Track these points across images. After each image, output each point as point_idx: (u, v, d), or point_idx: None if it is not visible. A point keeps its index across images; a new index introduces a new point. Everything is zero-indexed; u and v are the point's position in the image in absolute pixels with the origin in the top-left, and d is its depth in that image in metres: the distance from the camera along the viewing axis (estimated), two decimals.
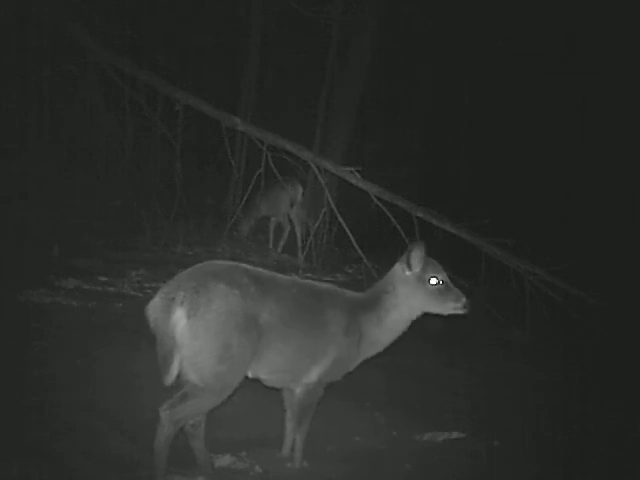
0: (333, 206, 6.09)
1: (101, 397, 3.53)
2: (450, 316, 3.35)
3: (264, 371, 3.00)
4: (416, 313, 3.28)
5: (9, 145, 6.97)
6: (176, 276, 2.91)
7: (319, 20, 9.78)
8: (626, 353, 5.66)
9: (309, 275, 7.15)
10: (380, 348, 3.29)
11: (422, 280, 3.22)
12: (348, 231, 5.92)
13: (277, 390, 3.28)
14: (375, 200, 5.88)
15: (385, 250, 7.81)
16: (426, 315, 3.38)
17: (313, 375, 3.08)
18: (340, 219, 5.96)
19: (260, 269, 3.08)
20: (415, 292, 3.22)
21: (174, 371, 2.74)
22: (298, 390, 3.14)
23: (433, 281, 3.22)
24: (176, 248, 6.65)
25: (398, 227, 5.85)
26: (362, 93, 9.39)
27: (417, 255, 3.21)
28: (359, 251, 6.00)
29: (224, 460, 3.14)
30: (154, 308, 2.78)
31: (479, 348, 5.69)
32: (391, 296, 3.23)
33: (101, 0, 7.86)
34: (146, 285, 5.69)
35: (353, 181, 5.97)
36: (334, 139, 9.21)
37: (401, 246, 6.11)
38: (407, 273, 3.22)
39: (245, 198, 7.07)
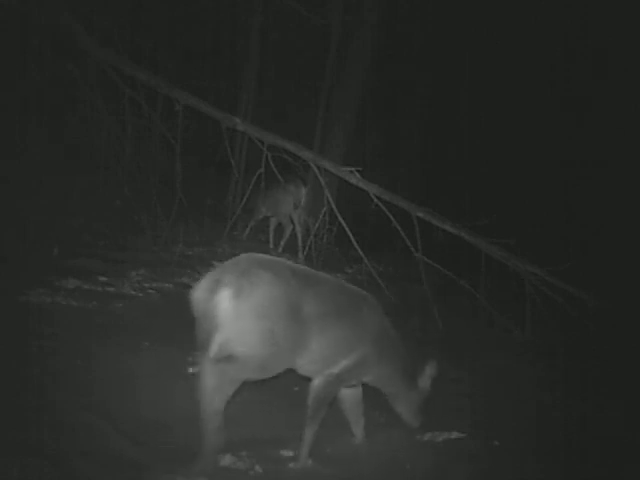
0: (333, 206, 6.09)
1: (101, 397, 3.53)
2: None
3: (304, 360, 3.07)
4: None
5: (9, 145, 6.96)
6: (221, 264, 3.01)
7: (319, 20, 9.80)
8: (626, 353, 5.66)
9: None
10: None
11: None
12: (348, 231, 5.93)
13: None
14: (375, 200, 5.88)
15: (385, 250, 7.88)
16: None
17: (337, 368, 3.17)
18: (340, 219, 5.97)
19: (299, 265, 3.21)
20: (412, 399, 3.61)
21: (212, 353, 2.78)
22: (317, 381, 3.21)
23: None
24: (176, 248, 6.64)
25: (398, 227, 5.85)
26: (362, 93, 9.39)
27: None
28: (359, 251, 6.01)
29: (224, 460, 3.13)
30: (200, 289, 2.84)
31: (479, 348, 5.69)
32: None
33: (101, 0, 7.86)
34: (146, 285, 5.68)
35: (353, 181, 5.97)
36: (334, 139, 9.21)
37: (400, 246, 6.16)
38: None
39: (245, 198, 7.09)
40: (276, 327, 2.82)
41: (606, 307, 5.96)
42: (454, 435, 3.73)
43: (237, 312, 2.76)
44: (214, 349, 2.78)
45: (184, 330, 4.73)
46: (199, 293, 2.84)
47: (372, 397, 4.06)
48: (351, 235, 5.91)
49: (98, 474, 2.88)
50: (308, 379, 3.27)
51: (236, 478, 3.05)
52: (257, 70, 10.31)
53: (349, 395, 3.49)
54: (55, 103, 7.40)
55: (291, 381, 4.09)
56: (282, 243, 8.15)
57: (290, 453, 3.29)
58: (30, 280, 5.04)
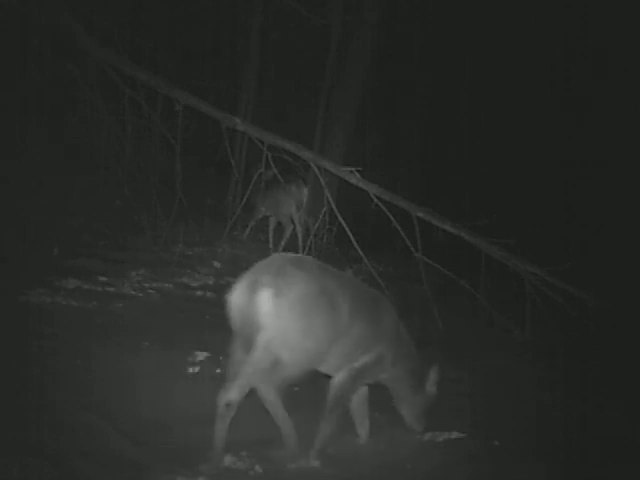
0: (333, 206, 6.09)
1: (101, 397, 3.53)
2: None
3: (331, 356, 3.14)
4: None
5: (9, 145, 6.96)
6: (253, 267, 3.02)
7: (319, 20, 9.80)
8: (626, 353, 5.66)
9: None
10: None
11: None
12: (348, 231, 5.93)
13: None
14: (375, 200, 5.88)
15: (385, 250, 7.88)
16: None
17: (358, 364, 3.27)
18: (340, 219, 5.97)
19: (325, 264, 3.26)
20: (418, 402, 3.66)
21: (257, 355, 2.85)
22: (338, 377, 3.28)
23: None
24: (176, 248, 6.65)
25: (398, 227, 5.85)
26: (362, 93, 9.39)
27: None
28: (359, 251, 6.00)
29: (224, 460, 3.13)
30: (237, 293, 2.90)
31: (479, 348, 5.68)
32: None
33: (101, 0, 7.87)
34: (146, 285, 5.69)
35: (353, 181, 5.97)
36: (334, 139, 9.21)
37: (400, 246, 6.16)
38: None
39: (245, 198, 7.09)
40: (316, 323, 2.92)
41: (606, 307, 5.96)
42: (454, 435, 3.73)
43: (278, 311, 2.82)
44: (259, 351, 2.84)
45: (184, 330, 4.77)
46: (237, 296, 2.89)
47: (373, 397, 4.07)
48: (351, 235, 5.91)
49: (98, 474, 2.88)
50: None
51: (236, 478, 3.06)
52: (257, 70, 10.31)
53: (356, 395, 3.52)
54: (55, 103, 7.40)
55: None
56: (282, 243, 8.15)
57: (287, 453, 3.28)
58: (30, 280, 5.04)
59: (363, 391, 3.56)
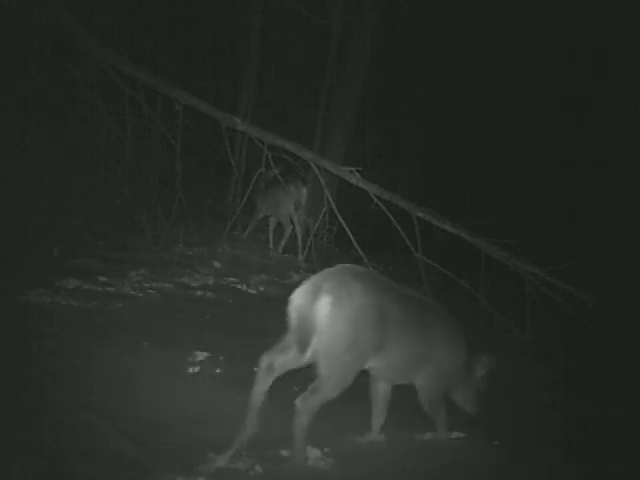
0: (333, 206, 6.09)
1: (101, 397, 3.53)
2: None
3: (380, 364, 3.35)
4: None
5: (9, 145, 6.97)
6: (318, 273, 3.24)
7: (319, 20, 9.80)
8: (626, 353, 5.66)
9: (310, 275, 7.14)
10: None
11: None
12: (348, 231, 5.93)
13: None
14: (375, 200, 5.88)
15: (385, 250, 7.87)
16: None
17: (421, 377, 3.54)
18: (340, 219, 5.97)
19: (385, 278, 3.50)
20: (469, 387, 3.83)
21: (308, 354, 3.08)
22: (417, 383, 3.56)
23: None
24: (176, 248, 6.65)
25: (398, 227, 5.85)
26: (362, 93, 9.39)
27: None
28: (359, 251, 6.00)
29: (224, 460, 3.13)
30: (300, 295, 3.10)
31: (479, 348, 5.67)
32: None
33: (101, 0, 7.87)
34: (146, 285, 5.68)
35: (353, 181, 5.97)
36: (334, 139, 9.21)
37: (400, 246, 6.16)
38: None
39: (245, 198, 7.08)
40: (362, 335, 3.11)
41: (606, 307, 5.96)
42: (454, 435, 3.73)
43: (334, 318, 3.03)
44: (309, 352, 3.07)
45: (184, 330, 4.77)
46: (299, 299, 3.09)
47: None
48: (351, 235, 5.91)
49: (98, 474, 2.88)
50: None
51: (236, 478, 3.05)
52: (257, 70, 10.32)
53: (380, 388, 3.65)
54: (55, 103, 7.41)
55: (291, 381, 4.10)
56: (282, 243, 8.15)
57: (287, 453, 3.28)
58: (30, 280, 5.04)
59: (388, 386, 3.68)
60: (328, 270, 3.25)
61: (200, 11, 10.87)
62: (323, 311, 3.03)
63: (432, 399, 3.61)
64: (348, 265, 3.34)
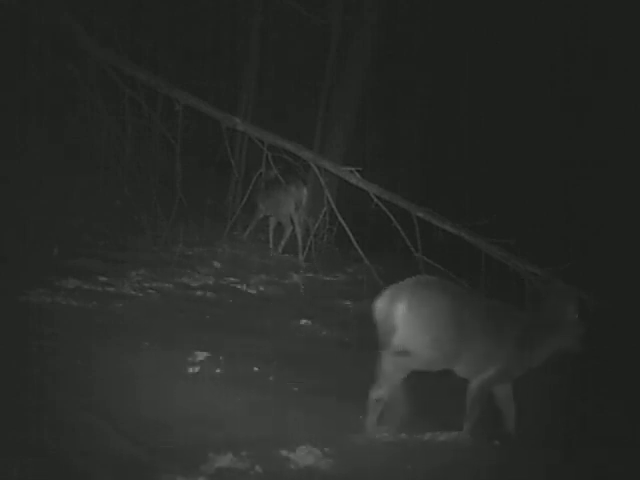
0: (333, 206, 6.09)
1: (101, 397, 3.53)
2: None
3: (460, 364, 3.74)
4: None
5: (9, 145, 6.97)
6: (397, 283, 3.71)
7: (319, 20, 9.81)
8: (626, 353, 5.66)
9: (310, 275, 7.15)
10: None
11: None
12: (348, 231, 5.92)
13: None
14: (375, 200, 5.88)
15: (385, 250, 7.87)
16: None
17: (487, 373, 3.81)
18: (340, 219, 5.96)
19: (455, 285, 3.94)
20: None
21: (392, 348, 3.50)
22: (473, 383, 3.82)
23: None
24: (176, 248, 6.65)
25: (398, 227, 5.85)
26: (362, 93, 9.39)
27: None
28: (359, 251, 6.00)
29: (224, 460, 3.13)
30: (382, 300, 3.61)
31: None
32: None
33: (101, 0, 7.87)
34: (146, 285, 5.69)
35: (353, 181, 5.97)
36: (334, 139, 9.21)
37: (400, 246, 6.15)
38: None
39: (245, 198, 7.09)
40: (439, 336, 3.55)
41: (606, 307, 5.95)
42: (454, 435, 3.72)
43: (408, 321, 3.52)
44: (392, 347, 3.50)
45: (184, 330, 4.77)
46: (381, 304, 3.59)
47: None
48: (351, 235, 5.91)
49: (98, 474, 2.88)
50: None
51: (236, 478, 3.05)
52: (257, 70, 10.32)
53: (500, 390, 3.93)
54: (55, 103, 7.41)
55: (291, 381, 4.10)
56: (282, 243, 8.15)
57: (287, 453, 3.28)
58: (30, 280, 5.04)
59: (508, 386, 3.94)
60: (407, 280, 3.74)
61: (200, 11, 10.87)
62: (398, 315, 3.52)
63: (481, 396, 3.82)
64: (428, 277, 3.97)
